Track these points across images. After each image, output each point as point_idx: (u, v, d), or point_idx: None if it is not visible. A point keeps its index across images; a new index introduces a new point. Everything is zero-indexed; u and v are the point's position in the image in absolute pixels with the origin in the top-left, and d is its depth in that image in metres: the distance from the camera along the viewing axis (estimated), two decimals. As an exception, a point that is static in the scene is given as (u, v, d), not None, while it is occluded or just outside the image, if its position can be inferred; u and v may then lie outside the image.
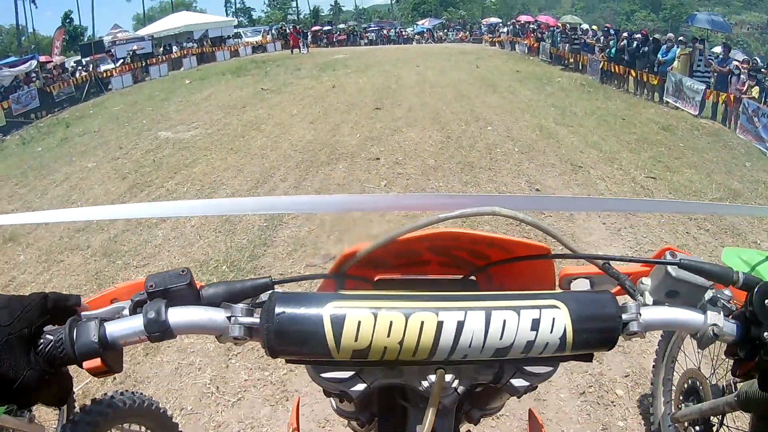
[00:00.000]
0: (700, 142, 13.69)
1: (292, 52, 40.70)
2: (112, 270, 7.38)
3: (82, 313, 0.98)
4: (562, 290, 1.14)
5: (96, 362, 0.88)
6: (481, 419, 1.35)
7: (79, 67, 37.00)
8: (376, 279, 1.24)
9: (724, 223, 7.95)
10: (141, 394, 2.68)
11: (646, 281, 1.07)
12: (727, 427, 3.04)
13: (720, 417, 2.97)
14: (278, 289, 1.01)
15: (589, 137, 12.64)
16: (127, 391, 2.62)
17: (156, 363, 4.84)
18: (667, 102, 18.52)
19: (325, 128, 14.09)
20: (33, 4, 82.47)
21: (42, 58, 34.64)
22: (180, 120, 18.07)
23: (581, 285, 1.21)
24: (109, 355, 0.90)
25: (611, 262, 1.10)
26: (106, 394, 2.52)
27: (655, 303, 1.04)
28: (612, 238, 7.14)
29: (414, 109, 15.67)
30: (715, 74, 17.94)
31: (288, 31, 49.27)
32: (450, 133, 12.65)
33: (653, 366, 3.81)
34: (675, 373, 3.62)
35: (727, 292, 1.04)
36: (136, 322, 0.91)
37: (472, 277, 1.25)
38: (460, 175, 9.66)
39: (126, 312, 1.00)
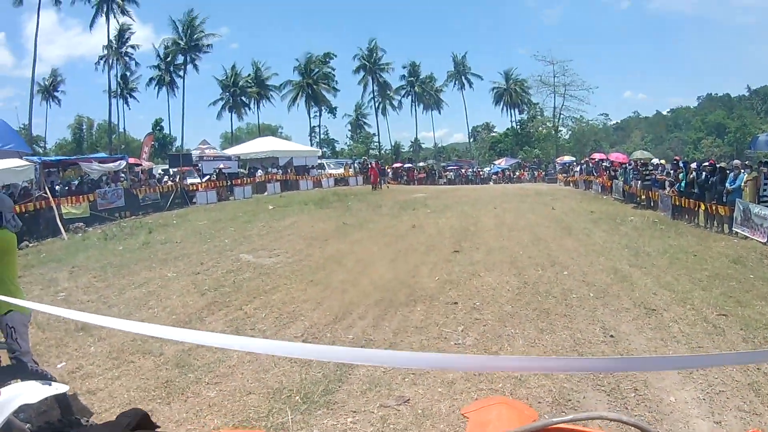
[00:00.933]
0: None
1: (373, 188, 40.91)
2: (183, 382, 7.56)
3: None
4: None
5: None
6: None
7: (166, 176, 39.07)
8: None
9: None
10: None
11: None
12: None
13: None
14: None
15: (661, 278, 12.56)
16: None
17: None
18: (737, 232, 18.35)
19: (405, 268, 14.11)
20: (126, 105, 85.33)
21: (131, 160, 35.85)
22: (262, 245, 18.55)
23: None
24: None
25: None
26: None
27: None
28: (684, 381, 7.00)
29: (492, 253, 15.66)
30: None
31: (369, 165, 49.79)
32: (527, 279, 12.60)
33: None
34: None
35: None
36: None
37: None
38: (535, 322, 9.57)
39: None
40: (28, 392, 4.16)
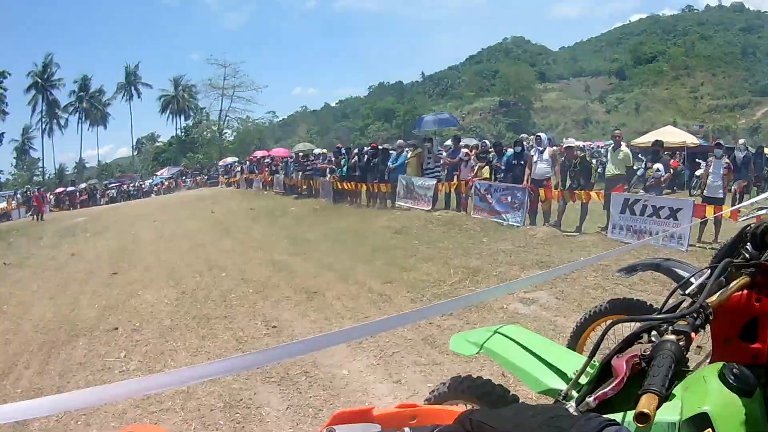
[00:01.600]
0: (434, 234, 14.44)
1: (35, 218, 38.81)
2: None
3: None
4: None
5: None
6: None
7: None
8: None
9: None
10: None
11: None
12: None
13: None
14: None
15: (322, 260, 12.96)
16: None
17: None
18: (400, 205, 19.29)
19: (65, 302, 13.43)
20: None
21: None
22: None
23: None
24: None
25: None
26: None
27: None
28: (354, 353, 7.25)
29: (150, 269, 15.49)
30: (446, 167, 19.08)
31: (31, 194, 47.49)
32: (185, 288, 12.56)
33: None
34: None
35: None
36: None
37: None
38: (196, 330, 9.56)
39: None
40: None
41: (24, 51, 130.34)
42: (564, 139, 25.19)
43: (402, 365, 6.61)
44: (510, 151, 17.44)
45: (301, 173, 29.62)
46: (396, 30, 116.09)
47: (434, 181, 18.31)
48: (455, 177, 18.45)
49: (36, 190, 49.16)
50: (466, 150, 19.89)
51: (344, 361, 7.01)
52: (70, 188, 58.63)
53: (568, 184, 15.04)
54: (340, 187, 23.84)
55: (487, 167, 17.52)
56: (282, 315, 9.53)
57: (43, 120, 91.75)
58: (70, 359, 9.43)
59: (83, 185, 65.09)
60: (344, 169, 23.88)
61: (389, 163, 20.55)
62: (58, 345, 10.29)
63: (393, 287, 10.08)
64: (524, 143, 18.40)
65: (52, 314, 12.52)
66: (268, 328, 9.00)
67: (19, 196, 51.74)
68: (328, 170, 27.56)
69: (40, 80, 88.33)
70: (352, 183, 22.77)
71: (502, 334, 2.99)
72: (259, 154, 47.80)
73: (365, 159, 22.40)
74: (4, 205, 48.20)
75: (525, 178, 15.45)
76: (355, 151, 24.99)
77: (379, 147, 22.86)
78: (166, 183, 59.89)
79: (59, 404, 2.37)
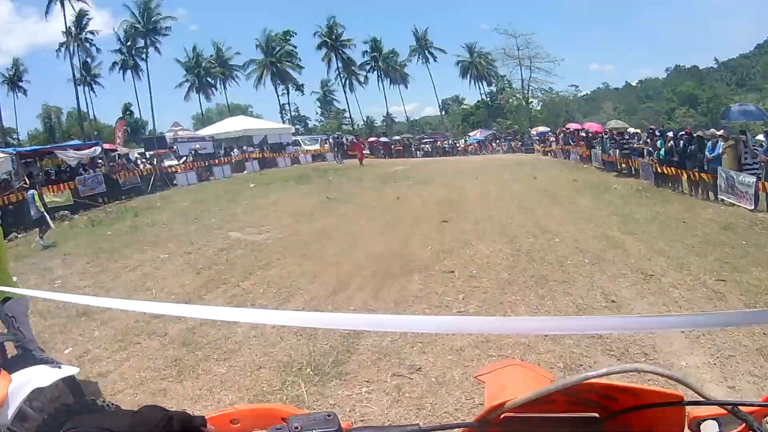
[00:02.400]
0: (761, 237, 13.51)
1: (361, 163, 40.39)
2: (192, 360, 7.58)
3: None
4: None
5: None
6: None
7: (144, 160, 38.99)
8: (502, 417, 1.20)
9: None
10: None
11: None
12: None
13: None
14: None
15: (654, 244, 12.56)
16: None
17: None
18: (723, 199, 18.42)
19: (396, 240, 14.10)
20: (92, 92, 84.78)
21: (106, 146, 35.42)
22: (249, 222, 18.51)
23: (710, 427, 1.24)
24: None
25: (739, 406, 1.13)
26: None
27: None
28: (692, 346, 6.96)
29: (481, 222, 15.67)
30: (764, 164, 17.97)
31: (347, 141, 50.54)
32: (519, 247, 12.62)
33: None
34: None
35: None
36: None
37: (603, 422, 1.24)
38: (535, 289, 9.56)
39: None
40: (39, 376, 4.22)
41: (302, 14, 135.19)
42: None
43: (737, 372, 6.35)
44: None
45: (618, 151, 28.91)
46: (686, 9, 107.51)
47: (754, 179, 17.09)
48: None
49: (354, 137, 50.75)
50: None
51: (683, 351, 6.85)
52: (383, 138, 60.69)
53: None
54: (660, 170, 23.02)
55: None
56: (620, 291, 9.38)
57: (341, 75, 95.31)
58: (406, 291, 9.93)
59: (397, 137, 67.44)
60: (662, 152, 23.16)
61: (706, 153, 19.71)
62: (392, 276, 10.80)
63: (726, 286, 9.52)
64: None
65: (384, 248, 13.14)
66: (607, 302, 8.91)
67: (331, 140, 54.31)
68: (645, 151, 26.45)
69: (328, 39, 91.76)
70: (673, 168, 21.99)
71: None
72: (572, 126, 46.76)
73: (681, 144, 21.69)
74: (317, 146, 51.28)
75: None
76: (670, 134, 24.15)
77: (693, 134, 21.95)
78: (479, 144, 60.10)
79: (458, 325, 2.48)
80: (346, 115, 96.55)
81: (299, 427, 0.99)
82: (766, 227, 14.70)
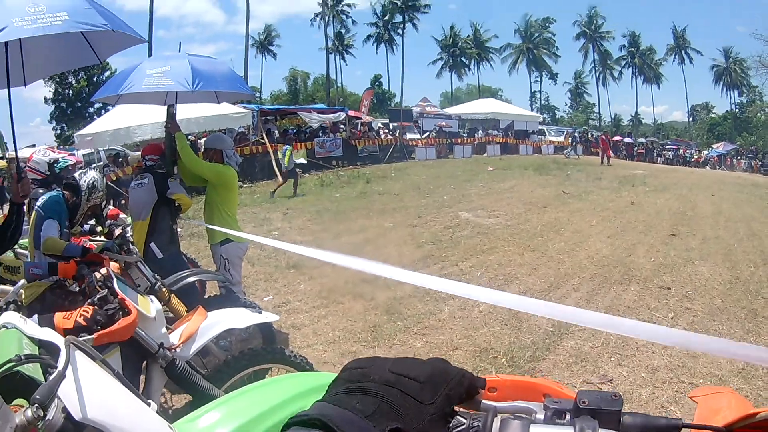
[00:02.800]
0: None
1: (602, 162, 39.13)
2: (391, 329, 7.84)
3: (485, 402, 1.09)
4: None
5: None
6: None
7: (386, 130, 40.10)
8: (735, 430, 1.17)
9: None
10: None
11: None
12: None
13: None
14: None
15: None
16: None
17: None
18: None
19: (622, 245, 13.89)
20: (343, 61, 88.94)
21: (351, 113, 36.44)
22: (481, 205, 18.78)
23: None
24: None
25: None
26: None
27: None
28: None
29: (707, 242, 15.07)
30: None
31: (594, 137, 49.93)
32: (739, 275, 11.89)
33: None
34: None
35: None
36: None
37: None
38: (743, 322, 9.11)
39: (540, 416, 1.07)
40: (236, 318, 4.48)
41: (564, 1, 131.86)
42: None
43: None
44: None
45: None
46: None
47: None
48: None
49: (602, 134, 50.38)
50: None
51: None
52: (627, 139, 59.93)
53: None
54: None
55: None
56: None
57: (596, 69, 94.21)
58: (619, 299, 9.84)
59: (642, 140, 65.52)
60: None
61: None
62: (609, 282, 10.73)
63: None
64: None
65: (608, 252, 13.06)
66: None
67: (576, 134, 53.09)
68: None
69: (588, 30, 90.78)
70: None
71: None
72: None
73: None
74: (561, 138, 50.21)
75: None
76: None
77: None
78: (721, 158, 57.32)
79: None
80: (595, 110, 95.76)
81: (587, 402, 1.01)
82: None
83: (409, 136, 39.37)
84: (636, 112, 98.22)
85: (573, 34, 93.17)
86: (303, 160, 27.56)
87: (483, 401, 1.09)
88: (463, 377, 1.01)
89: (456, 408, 1.00)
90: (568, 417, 1.04)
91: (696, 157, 57.79)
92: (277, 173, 24.25)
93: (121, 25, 4.98)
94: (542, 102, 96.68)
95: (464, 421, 0.98)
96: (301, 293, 9.41)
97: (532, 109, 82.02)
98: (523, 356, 7.07)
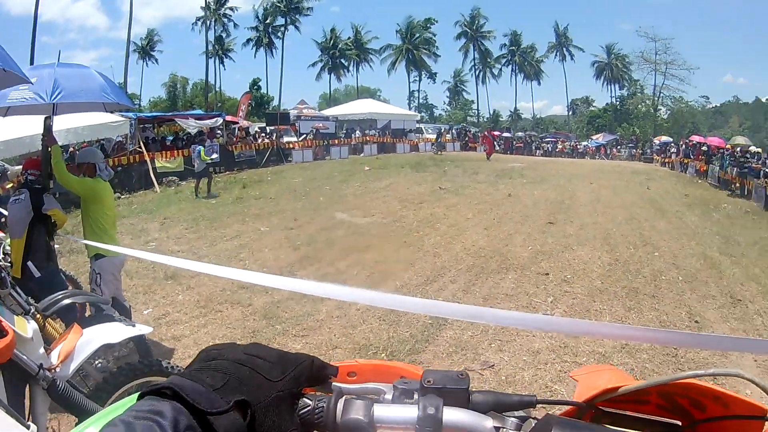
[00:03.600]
0: None
1: (488, 157, 40.22)
2: (270, 333, 7.85)
3: (335, 384, 1.06)
4: None
5: None
6: None
7: (263, 134, 39.39)
8: (597, 405, 1.23)
9: None
10: None
11: None
12: None
13: None
14: (540, 407, 1.08)
15: (750, 269, 12.39)
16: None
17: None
18: None
19: (498, 236, 14.25)
20: (222, 66, 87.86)
21: (228, 118, 36.19)
22: (357, 205, 18.91)
23: None
24: None
25: None
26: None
27: None
28: (764, 375, 6.84)
29: (585, 228, 15.73)
30: None
31: (470, 133, 51.82)
32: (618, 256, 12.61)
33: None
34: None
35: None
36: (409, 413, 0.96)
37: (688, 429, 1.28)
38: (624, 300, 9.60)
39: (388, 396, 1.06)
40: (111, 333, 4.47)
41: (446, 2, 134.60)
42: None
43: None
44: None
45: (736, 169, 28.23)
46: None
47: None
48: None
49: (487, 130, 50.64)
50: None
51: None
52: (506, 134, 60.79)
53: None
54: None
55: None
56: (705, 312, 9.33)
57: (476, 67, 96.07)
58: (497, 288, 10.12)
59: (520, 133, 67.93)
60: (779, 175, 21.88)
61: None
62: (487, 272, 11.04)
63: None
64: None
65: (485, 243, 13.40)
66: (691, 321, 8.89)
67: (454, 131, 54.53)
68: (762, 173, 25.78)
69: (469, 30, 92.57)
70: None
71: None
72: (695, 138, 45.72)
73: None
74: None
75: None
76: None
77: None
78: (601, 149, 59.55)
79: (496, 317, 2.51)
80: (474, 106, 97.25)
81: (432, 381, 1.02)
82: None
83: (286, 139, 39.20)
84: (515, 108, 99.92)
85: (454, 34, 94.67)
86: (215, 156, 26.40)
87: (335, 384, 1.06)
88: (313, 362, 1.00)
89: (308, 391, 1.00)
90: (416, 396, 1.02)
91: (581, 148, 60.57)
92: (155, 182, 24.17)
93: (12, 66, 5.11)
94: (420, 101, 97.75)
95: (310, 402, 0.97)
96: (180, 304, 9.25)
97: (410, 108, 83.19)
98: (403, 350, 7.22)
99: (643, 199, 23.10)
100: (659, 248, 13.89)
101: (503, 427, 0.97)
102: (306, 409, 0.96)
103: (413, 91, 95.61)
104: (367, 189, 23.03)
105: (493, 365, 6.85)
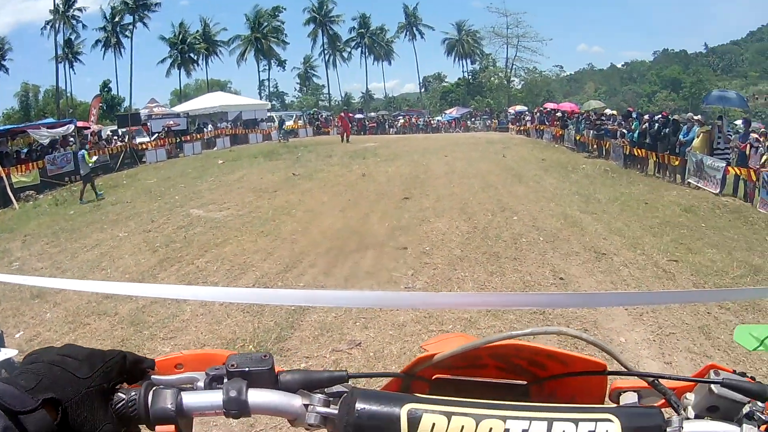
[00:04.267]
0: (721, 220, 13.86)
1: (342, 140, 40.02)
2: (138, 339, 7.62)
3: (154, 377, 1.03)
4: (612, 402, 1.20)
5: (169, 428, 0.93)
6: None
7: (115, 137, 38.37)
8: (434, 377, 1.20)
9: (746, 301, 8.02)
10: None
11: (690, 396, 1.12)
12: None
13: None
14: (351, 382, 1.04)
15: (612, 224, 12.79)
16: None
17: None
18: (689, 182, 18.63)
19: (355, 216, 14.33)
20: (72, 70, 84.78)
21: (79, 124, 35.08)
22: (212, 199, 18.54)
23: (630, 399, 1.19)
24: (182, 423, 0.95)
25: (660, 379, 1.12)
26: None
27: (696, 417, 1.08)
28: (634, 323, 7.19)
29: (442, 199, 15.94)
30: (736, 150, 18.15)
31: (321, 117, 52.50)
32: (477, 224, 12.83)
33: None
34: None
35: (760, 404, 1.04)
36: (215, 397, 0.96)
37: (529, 387, 1.23)
38: (485, 266, 9.78)
39: (201, 384, 1.03)
40: None
41: None
42: None
43: (676, 348, 6.53)
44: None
45: (592, 132, 28.96)
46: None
47: (724, 164, 17.30)
48: (748, 163, 17.13)
49: (343, 111, 51.07)
50: (756, 135, 18.26)
51: (624, 328, 7.07)
52: (358, 115, 60.87)
53: None
54: (630, 151, 23.23)
55: (778, 159, 16.19)
56: (570, 269, 9.53)
57: (326, 52, 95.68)
58: (357, 267, 10.05)
59: (372, 114, 67.90)
60: (635, 134, 23.18)
61: (680, 136, 19.83)
62: (346, 253, 10.95)
63: (678, 267, 9.79)
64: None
65: (342, 225, 13.36)
66: (555, 279, 9.06)
67: (305, 117, 54.75)
68: (618, 133, 26.22)
69: (318, 15, 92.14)
70: (643, 150, 22.12)
71: None
72: (549, 106, 46.69)
73: (656, 127, 21.66)
74: (291, 123, 51.32)
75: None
76: (646, 117, 23.94)
77: (670, 117, 22.10)
78: (454, 122, 60.34)
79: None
80: (325, 91, 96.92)
81: (235, 365, 0.99)
82: (728, 211, 15.05)
83: (138, 140, 38.13)
84: (367, 89, 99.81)
85: (303, 20, 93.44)
86: (95, 159, 26.25)
87: (154, 377, 1.04)
88: (125, 357, 0.99)
89: (125, 386, 0.97)
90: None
91: (435, 123, 61.26)
92: (13, 199, 23.31)
93: None
94: (271, 89, 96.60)
95: (124, 396, 0.94)
96: (49, 322, 8.85)
97: (261, 98, 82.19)
98: (269, 339, 7.20)
99: (499, 167, 23.54)
100: (518, 212, 14.13)
101: (311, 404, 0.96)
102: (120, 404, 0.92)
103: (263, 80, 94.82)
104: (221, 183, 22.74)
105: (359, 343, 6.90)
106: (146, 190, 22.85)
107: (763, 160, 16.10)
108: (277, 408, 0.96)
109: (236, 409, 0.94)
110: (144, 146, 36.98)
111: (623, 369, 1.12)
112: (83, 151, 22.57)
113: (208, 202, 18.20)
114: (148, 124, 41.75)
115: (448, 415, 0.92)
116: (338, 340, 7.01)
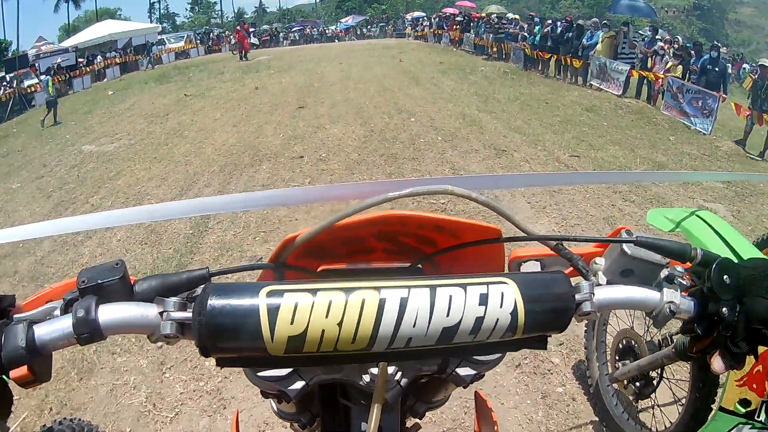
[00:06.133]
0: (623, 120, 14.06)
1: (240, 57, 38.23)
2: (36, 289, 7.08)
3: (15, 316, 0.92)
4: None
5: (23, 370, 0.82)
6: (427, 412, 1.34)
7: (4, 84, 36.25)
8: (319, 269, 1.15)
9: (649, 194, 8.28)
10: (80, 420, 2.55)
11: (600, 261, 1.07)
12: (667, 379, 3.20)
13: (659, 370, 3.08)
14: (216, 280, 0.94)
15: (512, 122, 12.89)
16: (65, 419, 2.52)
17: (91, 387, 4.67)
18: (591, 84, 18.90)
19: (249, 130, 14.22)
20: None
21: None
22: (103, 132, 17.98)
23: (532, 267, 1.18)
24: (37, 362, 0.84)
25: (564, 243, 1.08)
26: (45, 425, 2.41)
27: (609, 282, 1.04)
28: (538, 215, 7.33)
29: (337, 106, 15.91)
30: (640, 55, 18.40)
31: (214, 35, 51.81)
32: (373, 127, 12.85)
33: (585, 331, 3.95)
34: (608, 336, 3.73)
35: (680, 268, 1.04)
36: (65, 323, 0.85)
37: (419, 266, 1.17)
38: (383, 167, 9.88)
39: (57, 313, 0.94)
40: None
41: None
42: (757, 59, 23.43)
43: None
44: (706, 55, 16.40)
45: (492, 35, 28.83)
46: None
47: (628, 67, 17.73)
48: (651, 68, 17.70)
49: (239, 24, 50.55)
50: (662, 43, 19.16)
51: (528, 220, 7.17)
52: (251, 29, 60.10)
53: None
54: (531, 54, 23.31)
55: (680, 66, 16.68)
56: (470, 166, 9.66)
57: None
58: (253, 181, 10.07)
59: (265, 27, 66.80)
60: (537, 37, 23.19)
61: (584, 40, 20.03)
62: (240, 167, 10.95)
63: (579, 162, 10.04)
64: (720, 50, 17.21)
65: (235, 140, 13.25)
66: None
67: (197, 36, 53.51)
68: (519, 36, 26.27)
69: None
70: (544, 52, 22.19)
71: (700, 217, 2.73)
72: (448, 10, 46.59)
73: (559, 31, 21.77)
74: (182, 44, 50.05)
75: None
76: (549, 21, 24.05)
77: (573, 23, 22.16)
78: (350, 30, 60.25)
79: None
80: (217, 8, 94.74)
81: (86, 280, 0.89)
82: (630, 111, 15.42)
83: (26, 83, 36.09)
84: (260, 3, 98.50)
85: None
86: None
87: (16, 316, 0.93)
88: None
89: None
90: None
91: (330, 32, 60.87)
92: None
93: None
94: (162, 11, 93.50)
95: None
96: None
97: (152, 21, 79.40)
98: (170, 267, 6.95)
99: (395, 71, 23.61)
100: (415, 114, 14.16)
101: (166, 311, 0.89)
102: None
103: (153, 2, 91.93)
104: (112, 113, 22.00)
105: (260, 258, 6.62)
106: (36, 135, 21.86)
107: (668, 66, 16.61)
108: (131, 323, 0.87)
109: (86, 332, 0.84)
110: (33, 89, 35.10)
111: (521, 234, 1.06)
112: (48, 77, 22.64)
113: (100, 135, 17.65)
114: (36, 64, 39.94)
115: (313, 292, 0.85)
116: (239, 258, 6.95)
